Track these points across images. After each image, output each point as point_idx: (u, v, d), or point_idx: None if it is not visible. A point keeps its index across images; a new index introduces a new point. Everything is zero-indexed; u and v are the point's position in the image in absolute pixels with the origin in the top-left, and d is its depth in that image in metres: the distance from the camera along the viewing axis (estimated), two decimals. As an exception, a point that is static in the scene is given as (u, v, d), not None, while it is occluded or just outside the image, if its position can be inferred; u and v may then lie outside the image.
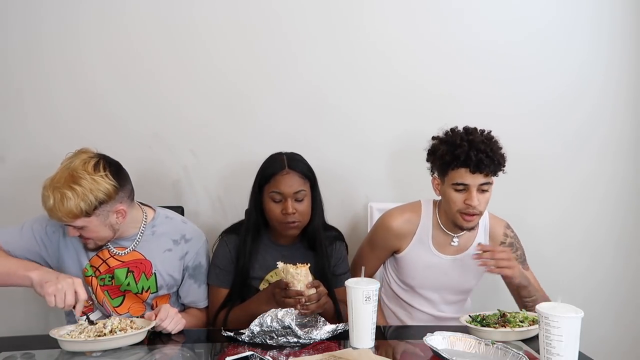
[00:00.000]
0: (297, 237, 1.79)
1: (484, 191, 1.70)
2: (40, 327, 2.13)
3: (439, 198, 1.82)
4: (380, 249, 1.88)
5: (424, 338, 1.36)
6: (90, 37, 2.14)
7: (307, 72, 2.21)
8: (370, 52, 2.21)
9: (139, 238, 1.68)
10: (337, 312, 1.67)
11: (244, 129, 2.20)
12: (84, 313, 1.47)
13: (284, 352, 1.38)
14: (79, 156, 1.55)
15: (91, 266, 1.66)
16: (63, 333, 1.41)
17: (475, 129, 1.73)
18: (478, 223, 1.79)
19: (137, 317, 1.58)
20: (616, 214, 2.34)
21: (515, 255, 1.80)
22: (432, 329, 1.42)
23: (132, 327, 1.43)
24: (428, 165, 1.81)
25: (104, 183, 1.52)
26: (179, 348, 1.49)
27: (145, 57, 2.16)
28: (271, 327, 1.41)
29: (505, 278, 1.71)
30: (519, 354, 1.27)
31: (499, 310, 1.56)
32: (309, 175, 1.74)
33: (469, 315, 1.55)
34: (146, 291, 1.69)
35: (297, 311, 1.46)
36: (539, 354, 1.26)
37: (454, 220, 1.75)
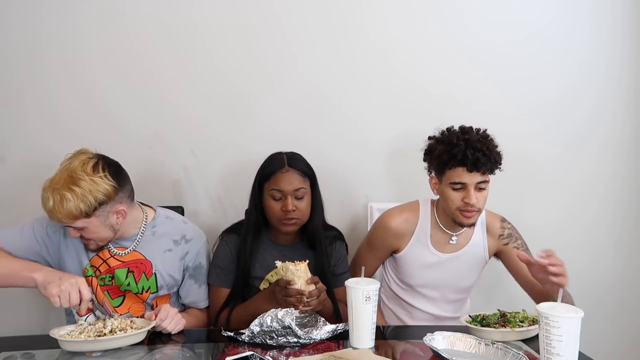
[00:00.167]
0: (297, 236, 1.80)
1: (481, 189, 1.71)
2: (40, 327, 2.13)
3: (437, 197, 1.83)
4: (379, 249, 1.88)
5: (424, 338, 1.36)
6: (90, 37, 2.14)
7: (307, 72, 2.21)
8: (370, 52, 2.22)
9: (139, 238, 1.68)
10: (337, 311, 1.68)
11: (244, 129, 2.20)
12: (88, 310, 1.47)
13: (284, 352, 1.38)
14: (78, 157, 1.54)
15: (91, 266, 1.66)
16: (63, 333, 1.41)
17: (471, 128, 1.74)
18: (477, 219, 1.80)
19: (137, 317, 1.58)
20: (616, 214, 2.34)
21: (516, 244, 1.82)
22: (432, 329, 1.42)
23: (132, 327, 1.43)
24: (425, 165, 1.82)
25: (103, 184, 1.52)
26: (179, 348, 1.49)
27: (145, 57, 2.16)
28: (271, 327, 1.41)
29: (553, 287, 1.52)
30: (519, 354, 1.27)
31: (499, 310, 1.56)
32: (308, 174, 1.75)
33: (469, 315, 1.56)
34: (146, 291, 1.69)
35: (297, 311, 1.46)
36: (539, 354, 1.26)
37: (454, 218, 1.75)
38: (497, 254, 1.87)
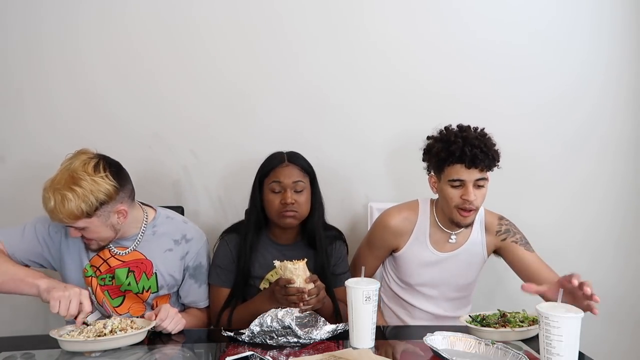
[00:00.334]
0: (298, 235, 1.80)
1: (479, 186, 1.72)
2: (40, 327, 2.13)
3: (436, 197, 1.84)
4: (378, 248, 1.89)
5: (424, 338, 1.36)
6: (90, 37, 2.14)
7: (307, 72, 2.21)
8: (370, 52, 2.22)
9: (139, 238, 1.68)
10: (337, 311, 1.68)
11: (244, 128, 2.21)
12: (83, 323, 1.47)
13: (284, 352, 1.38)
14: (78, 157, 1.54)
15: (91, 266, 1.66)
16: (63, 333, 1.41)
17: (469, 126, 1.76)
18: (474, 219, 1.81)
19: (137, 317, 1.58)
20: (616, 214, 2.34)
21: (514, 238, 1.83)
22: (432, 329, 1.42)
23: (132, 327, 1.43)
24: (424, 164, 1.84)
25: (104, 184, 1.52)
26: (179, 348, 1.49)
27: (145, 57, 2.16)
28: (271, 327, 1.41)
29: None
30: (519, 354, 1.27)
31: (499, 310, 1.56)
32: (308, 170, 1.76)
33: (469, 315, 1.56)
34: (147, 291, 1.69)
35: (297, 311, 1.46)
36: (539, 354, 1.26)
37: (451, 217, 1.76)
38: (497, 251, 1.88)
